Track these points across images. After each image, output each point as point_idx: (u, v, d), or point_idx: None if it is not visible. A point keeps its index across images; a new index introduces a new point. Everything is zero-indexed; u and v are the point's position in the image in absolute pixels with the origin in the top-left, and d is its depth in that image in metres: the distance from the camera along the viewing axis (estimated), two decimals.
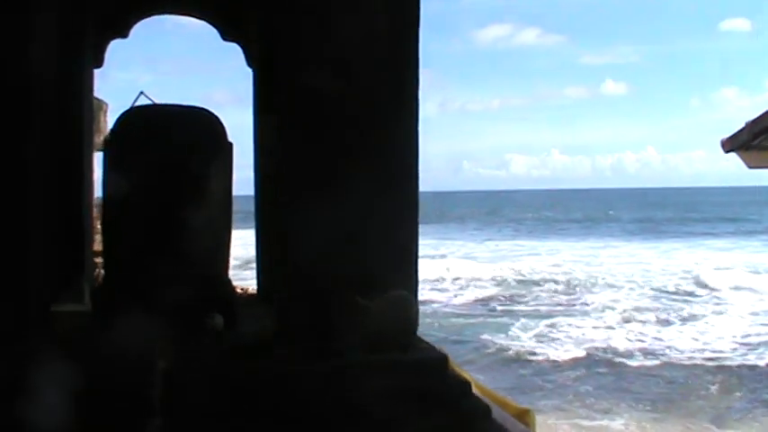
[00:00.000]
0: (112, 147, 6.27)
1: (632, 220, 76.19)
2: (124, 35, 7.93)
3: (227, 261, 6.48)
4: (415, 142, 5.41)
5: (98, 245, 7.92)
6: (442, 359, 5.27)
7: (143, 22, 8.09)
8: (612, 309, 26.75)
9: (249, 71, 8.16)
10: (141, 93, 8.07)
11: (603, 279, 34.38)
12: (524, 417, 7.80)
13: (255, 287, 8.19)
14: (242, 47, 8.16)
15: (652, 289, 31.50)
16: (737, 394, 16.49)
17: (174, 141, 6.11)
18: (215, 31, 8.21)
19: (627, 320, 24.82)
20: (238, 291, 7.73)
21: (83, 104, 7.51)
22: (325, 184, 5.24)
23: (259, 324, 6.07)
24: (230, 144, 6.48)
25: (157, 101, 7.53)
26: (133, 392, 4.79)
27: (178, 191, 6.09)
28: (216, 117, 6.42)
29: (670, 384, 17.31)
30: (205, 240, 6.20)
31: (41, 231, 5.09)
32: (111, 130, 6.32)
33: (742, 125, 12.17)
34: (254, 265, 7.85)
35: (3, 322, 4.85)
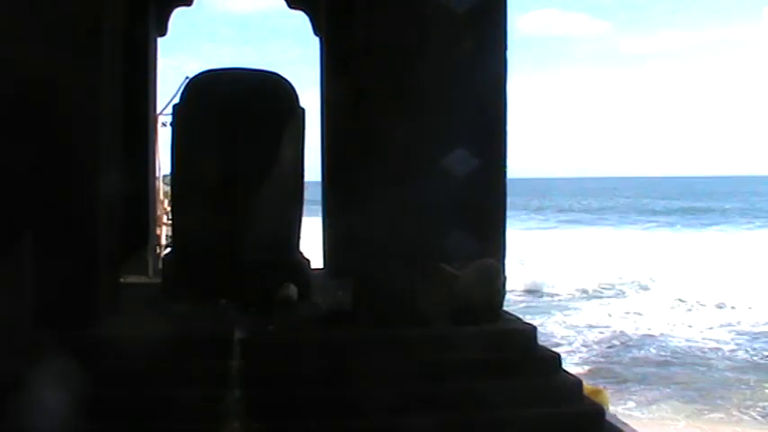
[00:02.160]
0: (181, 113, 6.06)
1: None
2: (188, 3, 7.73)
3: (299, 230, 6.24)
4: (504, 101, 5.07)
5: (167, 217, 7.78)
6: (532, 330, 4.98)
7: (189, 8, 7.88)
8: None
9: (315, 40, 7.93)
10: (187, 78, 7.89)
11: None
12: (597, 396, 7.56)
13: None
14: (309, 15, 7.91)
15: None
16: None
17: (244, 105, 5.88)
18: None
19: None
20: None
21: (148, 74, 7.35)
22: (407, 148, 4.93)
23: (333, 297, 5.84)
24: (302, 110, 6.25)
25: None
26: (209, 363, 4.57)
27: (249, 158, 5.86)
28: (288, 81, 6.18)
29: None
30: (277, 209, 5.98)
31: (108, 204, 4.89)
32: (180, 95, 6.11)
33: None
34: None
35: (76, 295, 4.65)
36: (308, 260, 6.17)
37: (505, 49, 5.06)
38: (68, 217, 4.69)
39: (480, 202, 4.98)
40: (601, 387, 7.99)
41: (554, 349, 5.23)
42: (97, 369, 4.27)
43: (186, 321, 5.02)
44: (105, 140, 4.88)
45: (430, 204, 4.94)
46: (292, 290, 5.68)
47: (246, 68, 6.25)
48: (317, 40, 7.93)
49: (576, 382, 4.87)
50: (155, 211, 7.76)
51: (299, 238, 6.21)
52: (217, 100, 5.93)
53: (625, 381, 14.40)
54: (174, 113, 6.21)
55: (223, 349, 4.55)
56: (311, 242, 6.98)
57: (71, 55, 4.68)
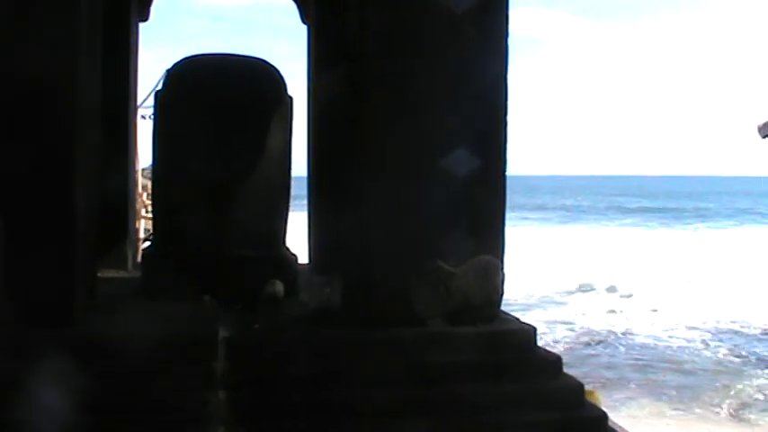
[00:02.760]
0: (163, 100, 5.78)
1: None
2: None
3: (286, 224, 5.99)
4: (504, 99, 4.84)
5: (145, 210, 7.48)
6: (530, 332, 4.75)
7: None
8: None
9: (303, 28, 7.66)
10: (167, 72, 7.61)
11: None
12: (590, 397, 7.39)
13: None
14: (296, 2, 7.64)
15: None
16: None
17: (230, 93, 5.61)
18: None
19: None
20: None
21: (129, 60, 7.06)
22: (404, 146, 4.68)
23: (321, 293, 5.59)
24: (290, 98, 5.99)
25: None
26: (192, 364, 4.31)
27: (234, 147, 5.60)
28: (275, 68, 5.92)
29: None
30: (263, 202, 5.72)
31: (85, 196, 4.61)
32: (163, 82, 5.83)
33: None
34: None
35: (50, 291, 4.38)
36: (294, 256, 5.91)
37: (506, 47, 4.83)
38: (42, 210, 4.40)
39: (479, 201, 4.73)
40: (592, 389, 7.79)
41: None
42: (74, 370, 4.00)
43: (168, 320, 4.74)
44: (82, 130, 4.58)
45: (427, 202, 4.70)
46: (279, 287, 5.43)
47: (231, 54, 5.97)
48: (304, 28, 7.67)
49: (577, 386, 4.65)
50: (134, 204, 7.47)
51: (285, 232, 5.95)
52: (200, 87, 5.65)
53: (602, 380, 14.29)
54: (155, 102, 5.92)
55: (207, 350, 4.29)
56: (296, 238, 6.72)
57: (44, 37, 4.39)
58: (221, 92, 5.59)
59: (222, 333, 4.39)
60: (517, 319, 5.02)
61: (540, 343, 4.90)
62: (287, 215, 5.95)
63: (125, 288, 5.81)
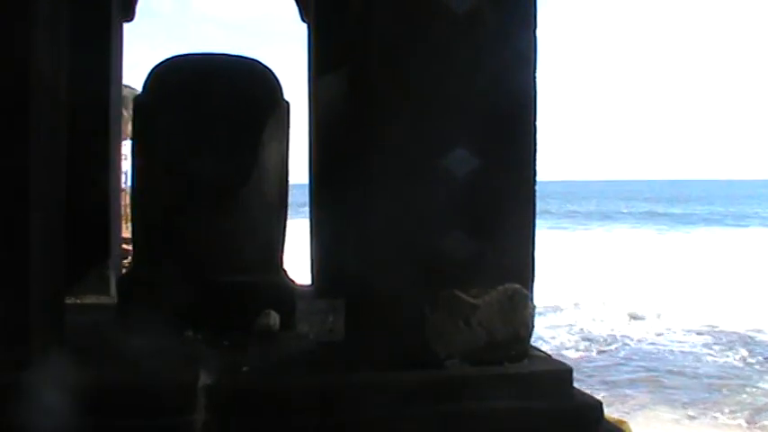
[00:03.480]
0: (144, 104, 5.11)
1: None
2: None
3: (283, 246, 5.30)
4: (534, 97, 4.15)
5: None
6: (566, 372, 4.06)
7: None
8: None
9: (303, 26, 7.01)
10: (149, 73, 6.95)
11: None
12: (621, 426, 6.75)
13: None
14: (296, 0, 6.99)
15: None
16: None
17: (217, 96, 4.94)
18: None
19: None
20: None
21: (110, 63, 6.40)
22: (418, 148, 3.99)
23: (322, 323, 4.91)
24: (287, 104, 5.31)
25: None
26: (166, 418, 3.62)
27: (224, 160, 4.93)
28: (270, 70, 5.25)
29: None
30: (257, 219, 5.04)
31: (46, 210, 3.93)
32: (144, 84, 5.16)
33: None
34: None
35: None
36: (292, 281, 5.22)
37: (533, 43, 4.14)
38: None
39: (505, 214, 4.05)
40: (624, 419, 7.12)
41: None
42: (20, 428, 3.34)
43: (142, 360, 4.05)
44: (40, 130, 3.87)
45: (441, 212, 4.01)
46: (273, 318, 4.75)
47: (220, 54, 5.29)
48: (304, 27, 7.03)
49: None
50: (119, 222, 6.81)
51: (282, 255, 5.26)
52: (184, 90, 4.99)
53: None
54: (134, 107, 5.25)
55: (184, 400, 3.60)
56: (295, 250, 6.04)
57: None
58: (207, 95, 4.93)
59: (204, 379, 3.70)
60: (549, 356, 4.33)
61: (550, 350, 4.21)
62: (284, 235, 5.25)
63: (102, 317, 5.13)
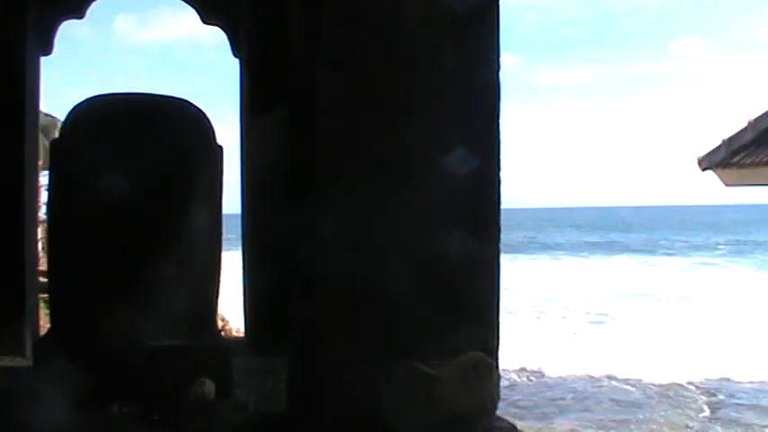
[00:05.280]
0: (63, 146, 4.64)
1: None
2: (79, 15, 6.30)
3: (216, 306, 4.86)
4: (497, 119, 3.77)
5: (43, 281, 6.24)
6: None
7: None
8: None
9: (235, 61, 6.60)
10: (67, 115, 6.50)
11: None
12: None
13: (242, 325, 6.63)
14: (227, 32, 6.58)
15: None
16: None
17: (148, 139, 4.50)
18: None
19: None
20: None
21: (25, 99, 5.90)
22: (373, 182, 3.59)
23: (262, 388, 4.50)
24: (220, 147, 4.90)
25: None
26: None
27: (153, 205, 4.49)
28: (201, 111, 4.82)
29: None
30: (188, 277, 4.60)
31: None
32: (63, 124, 4.69)
33: (718, 142, 11.67)
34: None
35: None
36: (226, 344, 4.79)
37: (498, 55, 3.81)
38: None
39: (469, 280, 3.67)
40: None
41: None
42: None
43: None
44: None
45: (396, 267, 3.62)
46: (209, 387, 4.30)
47: (146, 93, 4.86)
48: (236, 62, 6.62)
49: None
50: (34, 274, 6.25)
51: (216, 314, 4.82)
52: (107, 134, 4.53)
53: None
54: (50, 149, 4.77)
55: None
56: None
57: None
58: (131, 141, 4.49)
59: None
60: (514, 426, 3.98)
61: None
62: (217, 294, 4.81)
63: (14, 388, 4.60)
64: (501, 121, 3.81)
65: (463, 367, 3.62)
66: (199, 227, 4.65)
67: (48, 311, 6.92)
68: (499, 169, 3.79)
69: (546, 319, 28.12)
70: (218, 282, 4.84)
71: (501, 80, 3.82)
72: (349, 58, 3.62)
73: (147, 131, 4.56)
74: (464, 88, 3.73)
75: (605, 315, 30.25)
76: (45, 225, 5.50)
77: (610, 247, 67.02)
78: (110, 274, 4.46)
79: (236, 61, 6.56)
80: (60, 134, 4.69)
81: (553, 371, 18.48)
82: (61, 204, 4.61)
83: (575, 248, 66.18)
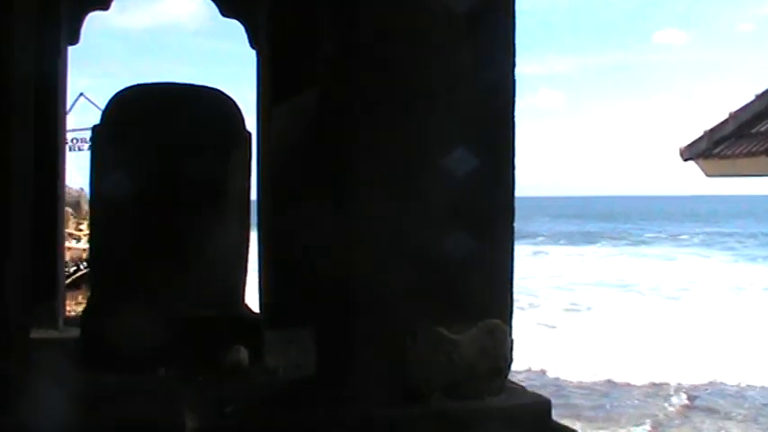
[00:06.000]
0: (105, 131, 5.01)
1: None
2: (104, 7, 6.66)
3: (245, 278, 5.25)
4: (512, 117, 4.18)
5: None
6: (545, 405, 4.15)
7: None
8: None
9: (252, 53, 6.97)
10: (81, 94, 6.87)
11: None
12: None
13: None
14: (245, 24, 6.95)
15: None
16: None
17: (183, 128, 4.88)
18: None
19: None
20: None
21: (57, 86, 6.25)
22: (397, 176, 3.98)
23: (288, 356, 4.89)
24: (249, 134, 5.29)
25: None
26: None
27: (189, 193, 4.87)
28: (233, 99, 5.21)
29: None
30: (222, 253, 4.99)
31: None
32: (104, 110, 5.05)
33: (700, 133, 12.00)
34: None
35: None
36: (257, 315, 5.19)
37: (514, 50, 4.20)
38: None
39: (479, 247, 4.09)
40: None
41: None
42: None
43: (119, 400, 3.97)
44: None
45: (418, 247, 4.03)
46: (243, 354, 4.70)
47: (182, 84, 5.23)
48: (251, 54, 6.99)
49: None
50: (63, 251, 6.61)
51: (244, 288, 5.22)
52: (146, 120, 4.91)
53: None
54: (92, 136, 5.14)
55: None
56: None
57: None
58: (170, 126, 4.86)
59: (190, 422, 3.64)
60: (525, 389, 4.41)
61: None
62: (246, 268, 5.21)
63: (60, 357, 4.98)
64: (515, 119, 4.24)
65: (481, 332, 4.05)
66: (231, 209, 5.05)
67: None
68: (514, 167, 4.22)
69: (517, 307, 28.28)
70: (247, 260, 5.23)
71: (516, 78, 4.24)
72: (378, 61, 4.00)
73: (184, 118, 4.93)
74: (477, 87, 4.13)
75: (578, 305, 30.81)
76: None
77: (587, 237, 67.71)
78: (149, 252, 4.82)
79: (243, 52, 6.91)
80: (102, 120, 5.04)
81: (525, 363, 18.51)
82: (104, 186, 4.97)
83: (553, 237, 66.82)
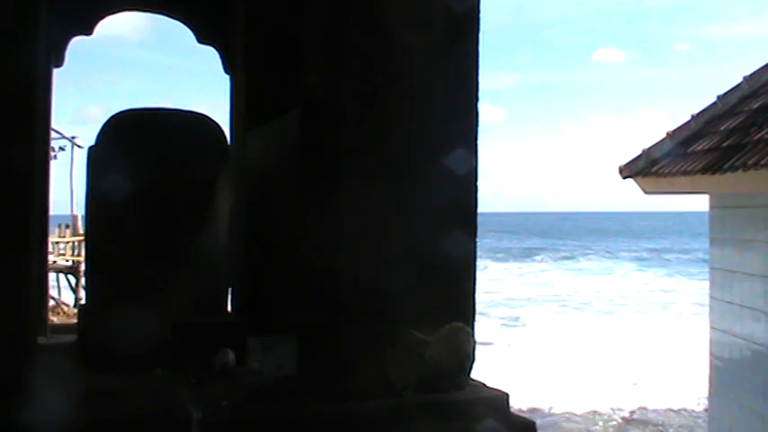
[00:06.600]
0: (100, 151, 5.44)
1: None
2: (88, 32, 7.06)
3: (229, 284, 5.74)
4: (475, 137, 4.71)
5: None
6: (504, 398, 4.69)
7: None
8: None
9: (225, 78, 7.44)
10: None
11: None
12: None
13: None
14: (219, 51, 7.40)
15: None
16: None
17: (177, 148, 5.34)
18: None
19: None
20: None
21: (40, 106, 6.62)
22: (375, 184, 4.49)
23: (268, 359, 5.38)
24: (231, 153, 5.77)
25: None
26: None
27: (180, 207, 5.33)
28: (217, 124, 5.69)
29: None
30: (211, 264, 5.46)
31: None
32: (99, 132, 5.49)
33: (639, 152, 12.56)
34: None
35: None
36: (241, 320, 5.65)
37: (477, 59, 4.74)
38: None
39: (450, 261, 4.64)
40: None
41: None
42: None
43: (123, 398, 4.41)
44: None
45: (387, 256, 4.55)
46: (231, 356, 5.16)
47: (169, 108, 5.70)
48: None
49: None
50: (45, 263, 6.96)
51: (228, 298, 5.69)
52: (138, 142, 5.36)
53: None
54: (87, 157, 5.56)
55: None
56: None
57: None
58: (165, 147, 5.32)
59: (196, 414, 4.10)
60: (485, 384, 4.95)
61: None
62: (229, 278, 5.69)
63: (56, 359, 5.39)
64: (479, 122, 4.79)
65: (448, 333, 4.59)
66: (216, 222, 5.51)
67: None
68: (477, 167, 4.77)
69: None
70: (230, 269, 5.71)
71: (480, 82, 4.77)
72: (364, 67, 4.47)
73: (174, 141, 5.40)
74: (454, 93, 4.66)
75: (515, 320, 31.56)
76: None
77: (526, 253, 68.83)
78: (145, 264, 5.27)
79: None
80: (97, 141, 5.47)
81: None
82: (99, 202, 5.40)
83: (492, 252, 67.80)
